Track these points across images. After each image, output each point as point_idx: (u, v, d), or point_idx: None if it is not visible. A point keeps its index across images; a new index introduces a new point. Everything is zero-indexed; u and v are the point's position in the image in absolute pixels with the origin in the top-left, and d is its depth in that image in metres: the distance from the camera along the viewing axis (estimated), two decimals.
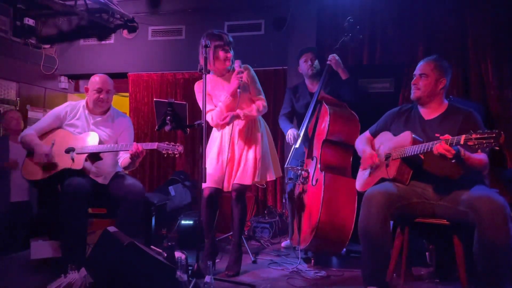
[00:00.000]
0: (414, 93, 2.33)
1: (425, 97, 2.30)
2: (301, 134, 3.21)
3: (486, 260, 1.90)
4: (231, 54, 2.71)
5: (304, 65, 3.47)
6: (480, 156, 2.07)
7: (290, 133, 3.33)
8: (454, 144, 1.93)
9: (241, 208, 2.79)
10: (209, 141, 2.85)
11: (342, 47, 3.38)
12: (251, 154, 2.74)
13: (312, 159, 3.12)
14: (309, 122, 3.22)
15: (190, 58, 4.75)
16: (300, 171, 3.08)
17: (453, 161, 1.98)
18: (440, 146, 1.96)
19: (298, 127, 3.37)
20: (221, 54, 2.69)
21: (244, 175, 2.72)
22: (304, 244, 2.94)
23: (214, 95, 2.78)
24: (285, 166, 3.28)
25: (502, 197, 1.96)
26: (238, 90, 2.61)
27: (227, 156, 2.72)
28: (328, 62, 3.27)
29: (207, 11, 4.89)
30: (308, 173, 3.08)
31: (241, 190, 2.76)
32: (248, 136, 2.78)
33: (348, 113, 3.15)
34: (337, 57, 3.26)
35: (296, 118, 3.59)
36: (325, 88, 3.30)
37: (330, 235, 2.82)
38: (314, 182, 3.00)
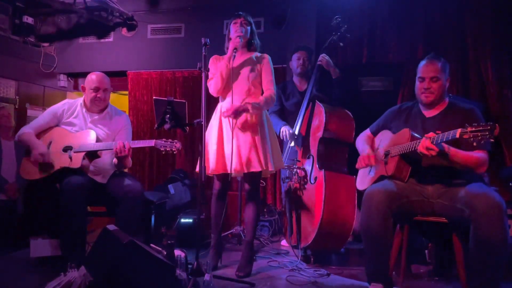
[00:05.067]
0: (427, 98, 2.25)
1: (437, 100, 2.27)
2: (296, 132, 3.20)
3: (481, 257, 1.91)
4: (241, 31, 2.72)
5: (296, 62, 3.50)
6: (473, 154, 2.07)
7: (284, 130, 3.31)
8: (438, 141, 1.95)
9: (255, 204, 2.75)
10: (208, 129, 2.76)
11: (331, 46, 3.39)
12: (255, 141, 2.66)
13: (308, 157, 3.13)
14: (302, 120, 3.23)
15: (189, 56, 4.76)
16: (295, 169, 3.08)
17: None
18: (421, 145, 1.98)
19: (290, 124, 3.36)
20: (233, 29, 2.75)
21: (253, 162, 2.63)
22: (305, 242, 2.94)
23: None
24: None
25: (499, 195, 1.97)
26: (234, 51, 2.63)
27: (230, 142, 2.64)
28: (319, 63, 3.30)
29: (206, 9, 4.88)
30: (305, 171, 3.08)
31: (254, 180, 2.73)
32: (249, 124, 2.69)
33: (342, 111, 3.17)
34: (327, 57, 3.29)
35: (287, 116, 3.57)
36: (314, 87, 3.30)
37: (332, 232, 2.84)
38: (312, 180, 3.00)
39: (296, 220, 3.07)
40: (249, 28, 2.78)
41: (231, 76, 2.67)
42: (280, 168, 2.87)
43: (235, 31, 2.73)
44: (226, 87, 2.72)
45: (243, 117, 2.67)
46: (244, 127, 2.69)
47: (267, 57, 2.80)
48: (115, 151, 2.55)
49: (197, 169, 2.75)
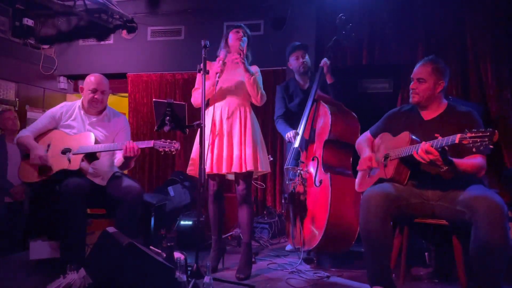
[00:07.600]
0: (412, 98, 2.31)
1: (424, 102, 2.29)
2: (300, 133, 3.19)
3: (481, 260, 1.91)
4: (241, 34, 2.82)
5: (295, 62, 3.49)
6: (472, 161, 2.07)
7: (289, 133, 3.32)
8: (437, 146, 1.94)
9: (248, 205, 2.76)
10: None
11: (336, 45, 3.38)
12: (246, 141, 2.71)
13: (313, 160, 3.10)
14: (306, 121, 3.21)
15: (189, 59, 4.77)
16: (300, 171, 3.06)
17: (444, 168, 1.99)
18: (420, 149, 1.97)
19: (294, 126, 3.35)
20: (233, 35, 2.82)
21: (246, 161, 2.67)
22: (309, 245, 2.92)
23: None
24: (285, 167, 3.26)
25: (500, 197, 1.96)
26: (217, 75, 2.65)
27: (217, 139, 2.73)
28: (321, 65, 3.29)
29: (206, 12, 4.89)
30: (309, 173, 3.06)
31: (246, 181, 2.74)
32: (239, 123, 2.75)
33: (347, 113, 3.14)
34: (328, 63, 3.29)
35: (291, 118, 3.55)
36: (319, 87, 3.27)
37: (338, 235, 2.81)
38: (318, 183, 2.97)
39: (299, 222, 3.04)
40: (246, 39, 2.85)
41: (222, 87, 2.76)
42: (267, 170, 2.86)
43: (236, 39, 2.79)
44: (219, 96, 2.78)
45: (235, 116, 2.76)
46: (235, 128, 2.74)
47: (257, 68, 2.87)
48: (124, 151, 2.54)
49: (187, 171, 2.87)
